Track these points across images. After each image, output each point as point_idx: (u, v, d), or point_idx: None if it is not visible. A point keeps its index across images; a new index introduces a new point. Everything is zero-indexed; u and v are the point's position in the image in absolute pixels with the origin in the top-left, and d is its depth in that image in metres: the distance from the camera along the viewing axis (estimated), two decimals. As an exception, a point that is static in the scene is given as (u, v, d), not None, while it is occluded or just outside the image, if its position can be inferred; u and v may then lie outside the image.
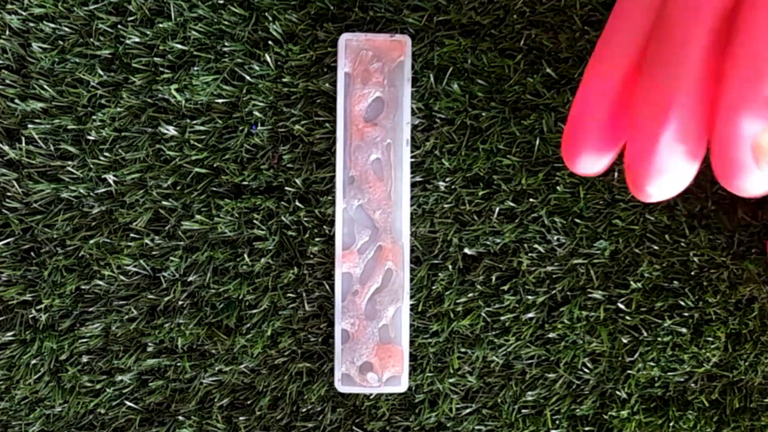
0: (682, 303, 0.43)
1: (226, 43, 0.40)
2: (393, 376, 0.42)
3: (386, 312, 0.41)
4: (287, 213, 0.41)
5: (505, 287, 0.42)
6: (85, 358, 0.42)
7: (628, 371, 0.43)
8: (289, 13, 0.40)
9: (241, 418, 0.42)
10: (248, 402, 0.43)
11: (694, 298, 0.43)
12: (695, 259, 0.43)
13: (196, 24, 0.40)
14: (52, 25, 0.40)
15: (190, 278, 0.42)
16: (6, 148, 0.41)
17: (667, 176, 0.25)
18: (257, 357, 0.42)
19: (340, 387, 0.42)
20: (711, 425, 0.43)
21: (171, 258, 0.41)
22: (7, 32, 0.40)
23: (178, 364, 0.42)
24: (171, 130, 0.41)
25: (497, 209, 0.42)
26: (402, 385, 0.42)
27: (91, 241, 0.41)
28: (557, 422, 0.43)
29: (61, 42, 0.40)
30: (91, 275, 0.41)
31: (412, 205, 0.41)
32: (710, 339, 0.43)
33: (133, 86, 0.40)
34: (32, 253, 0.41)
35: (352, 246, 0.41)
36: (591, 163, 0.27)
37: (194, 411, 0.43)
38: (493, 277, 0.42)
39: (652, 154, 0.24)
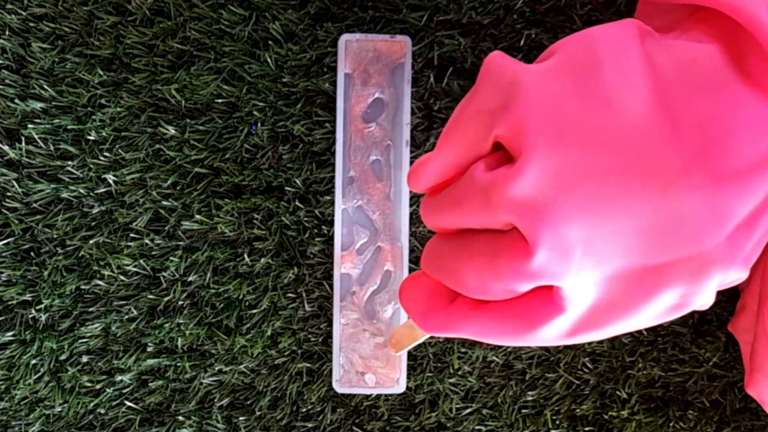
0: (682, 303, 0.43)
1: (226, 43, 0.40)
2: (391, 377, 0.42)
3: (385, 313, 0.41)
4: (287, 213, 0.41)
5: (505, 287, 0.42)
6: (85, 358, 0.42)
7: (628, 371, 0.43)
8: (289, 12, 0.40)
9: (241, 418, 0.43)
10: (248, 402, 0.43)
11: (694, 299, 0.43)
12: (695, 259, 0.43)
13: (196, 24, 0.40)
14: (52, 25, 0.40)
15: (190, 278, 0.42)
16: (6, 148, 0.41)
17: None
18: (257, 357, 0.42)
19: (339, 388, 0.42)
20: (711, 425, 0.43)
21: (171, 258, 0.41)
22: (7, 32, 0.40)
23: (178, 364, 0.42)
24: (171, 130, 0.41)
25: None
26: (400, 386, 0.42)
27: (91, 241, 0.41)
28: (557, 422, 0.43)
29: (61, 42, 0.40)
30: (91, 275, 0.41)
31: (412, 206, 0.41)
32: (710, 339, 0.43)
33: (133, 86, 0.40)
34: (32, 253, 0.41)
35: (350, 247, 0.41)
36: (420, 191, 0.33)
37: (194, 411, 0.43)
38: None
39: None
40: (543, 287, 0.27)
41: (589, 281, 0.26)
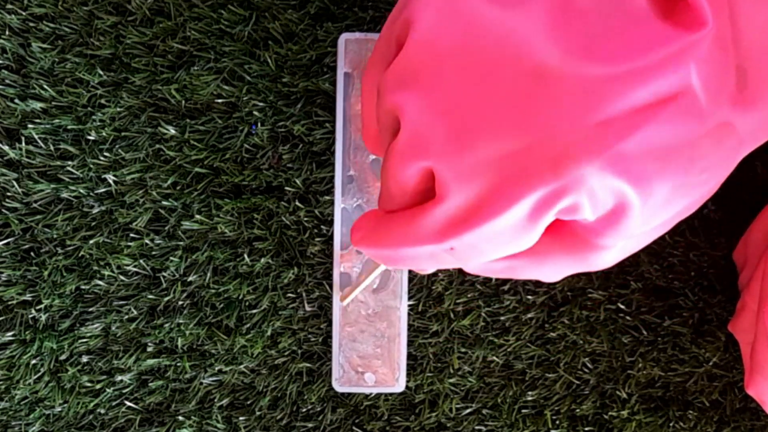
0: (682, 303, 0.43)
1: (226, 43, 0.40)
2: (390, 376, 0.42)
3: (384, 312, 0.41)
4: (287, 213, 0.41)
5: (505, 287, 0.42)
6: (85, 358, 0.42)
7: (628, 371, 0.43)
8: (289, 12, 0.40)
9: (241, 418, 0.42)
10: (248, 402, 0.43)
11: (694, 298, 0.43)
12: (695, 259, 0.43)
13: (196, 24, 0.40)
14: (52, 25, 0.40)
15: (190, 278, 0.42)
16: (6, 148, 0.41)
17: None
18: (257, 357, 0.42)
19: (338, 387, 0.42)
20: (711, 425, 0.43)
21: (171, 258, 0.41)
22: (7, 32, 0.40)
23: (178, 364, 0.42)
24: (171, 130, 0.41)
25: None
26: (399, 385, 0.42)
27: (91, 241, 0.41)
28: (557, 422, 0.43)
29: (61, 42, 0.40)
30: (91, 275, 0.41)
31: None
32: (710, 339, 0.43)
33: (133, 86, 0.40)
34: (32, 253, 0.41)
35: (350, 246, 0.41)
36: (377, 153, 0.35)
37: (194, 411, 0.43)
38: (493, 277, 0.42)
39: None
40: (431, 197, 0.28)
41: (461, 167, 0.26)
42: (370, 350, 0.42)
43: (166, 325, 0.42)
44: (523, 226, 0.27)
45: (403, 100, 0.27)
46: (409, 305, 0.42)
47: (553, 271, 0.30)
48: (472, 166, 0.26)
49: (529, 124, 0.25)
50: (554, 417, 0.43)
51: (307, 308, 0.42)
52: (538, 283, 0.42)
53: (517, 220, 0.26)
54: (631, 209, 0.26)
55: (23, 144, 0.41)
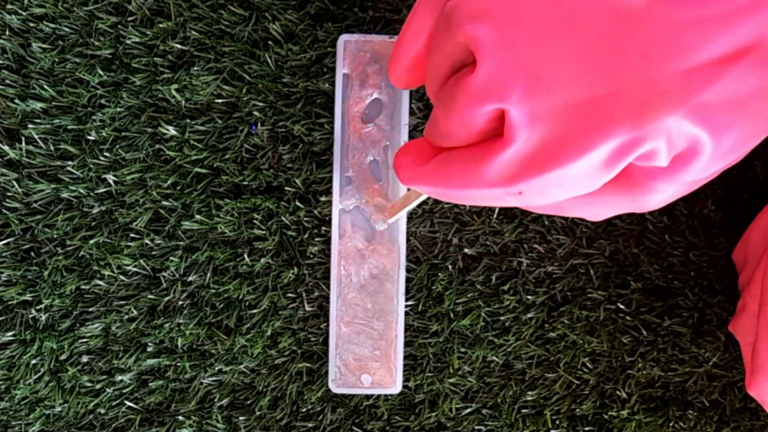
0: (682, 303, 0.43)
1: (226, 43, 0.40)
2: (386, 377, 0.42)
3: (381, 313, 0.41)
4: (287, 213, 0.41)
5: (505, 287, 0.42)
6: (85, 358, 0.42)
7: (628, 371, 0.43)
8: (289, 12, 0.40)
9: (241, 418, 0.43)
10: (248, 402, 0.43)
11: (694, 298, 0.43)
12: (695, 259, 0.43)
13: (196, 24, 0.40)
14: (52, 25, 0.40)
15: (190, 278, 0.42)
16: (6, 148, 0.41)
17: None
18: (257, 357, 0.42)
19: (335, 388, 0.42)
20: (711, 425, 0.43)
21: (171, 258, 0.41)
22: (7, 32, 0.40)
23: (178, 364, 0.42)
24: (171, 130, 0.41)
25: (497, 209, 0.42)
26: (396, 386, 0.42)
27: (91, 241, 0.41)
28: (557, 422, 0.43)
29: (61, 42, 0.40)
30: (91, 275, 0.41)
31: (411, 205, 0.41)
32: (710, 339, 0.43)
33: (133, 86, 0.40)
34: (32, 253, 0.41)
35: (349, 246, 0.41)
36: (401, 84, 0.33)
37: (194, 411, 0.43)
38: (493, 277, 0.42)
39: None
40: (498, 135, 0.27)
41: (537, 111, 0.26)
42: (367, 352, 0.42)
43: (166, 325, 0.42)
44: (598, 172, 0.26)
45: (481, 33, 0.25)
46: (409, 305, 0.42)
47: (601, 210, 0.29)
48: (549, 110, 0.25)
49: (614, 71, 0.24)
50: (554, 417, 0.43)
51: (307, 308, 0.42)
52: (538, 283, 0.42)
53: (592, 165, 0.26)
54: (701, 156, 0.26)
55: (23, 144, 0.41)
